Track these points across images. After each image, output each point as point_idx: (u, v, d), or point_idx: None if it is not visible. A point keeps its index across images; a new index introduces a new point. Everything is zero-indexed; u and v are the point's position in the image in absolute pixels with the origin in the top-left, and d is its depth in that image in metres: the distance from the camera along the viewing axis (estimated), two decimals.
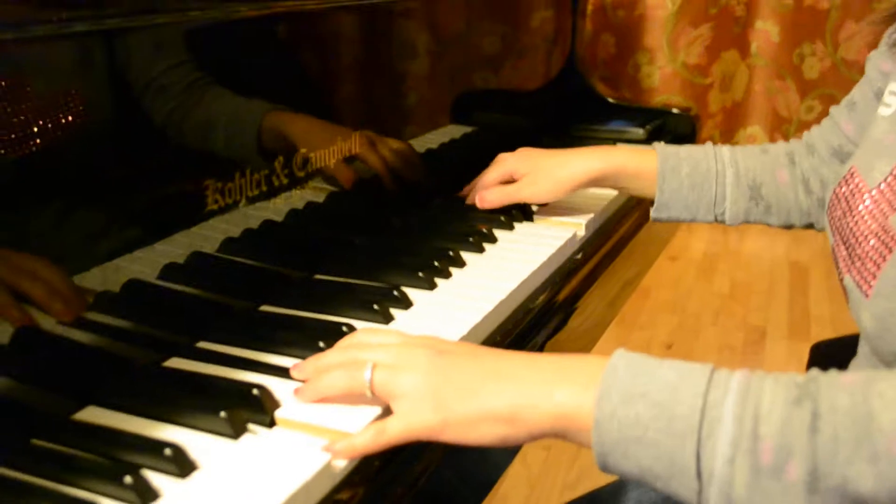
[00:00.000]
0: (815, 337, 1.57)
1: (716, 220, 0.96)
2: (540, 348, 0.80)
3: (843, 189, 0.73)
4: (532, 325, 0.81)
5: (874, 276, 0.63)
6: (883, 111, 0.74)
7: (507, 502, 1.80)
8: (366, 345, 0.62)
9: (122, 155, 0.66)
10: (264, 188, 0.76)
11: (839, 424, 0.46)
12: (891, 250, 0.62)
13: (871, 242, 0.65)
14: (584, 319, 0.93)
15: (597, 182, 0.98)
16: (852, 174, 0.72)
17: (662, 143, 1.00)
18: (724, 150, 0.97)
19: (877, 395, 0.46)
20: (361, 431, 0.56)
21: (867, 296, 0.64)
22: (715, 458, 0.48)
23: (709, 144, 0.99)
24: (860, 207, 0.68)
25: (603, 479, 0.82)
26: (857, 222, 0.68)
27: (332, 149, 0.86)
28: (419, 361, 0.58)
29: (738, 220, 0.96)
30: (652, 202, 0.98)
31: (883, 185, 0.67)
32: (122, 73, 0.64)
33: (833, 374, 0.50)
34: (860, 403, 0.46)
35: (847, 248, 0.69)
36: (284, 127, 0.81)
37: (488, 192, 1.00)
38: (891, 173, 0.67)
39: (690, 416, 0.49)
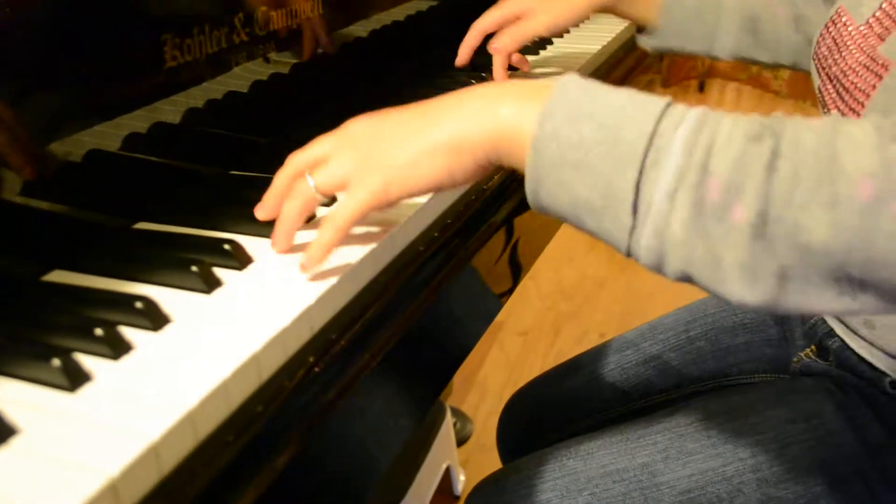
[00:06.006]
0: None
1: (707, 53, 0.95)
2: (503, 223, 0.78)
3: (831, 29, 0.71)
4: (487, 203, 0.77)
5: (863, 106, 0.63)
6: None
7: (486, 383, 1.83)
8: (302, 154, 0.59)
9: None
10: (224, 45, 0.73)
11: (800, 163, 0.41)
12: (880, 77, 0.61)
13: (860, 73, 0.64)
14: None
15: (607, 6, 0.95)
16: (839, 14, 0.71)
17: None
18: None
19: (844, 134, 0.42)
20: (318, 230, 0.54)
21: None
22: (655, 190, 0.44)
23: None
24: (848, 43, 0.67)
25: None
26: (844, 57, 0.67)
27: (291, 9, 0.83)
28: (349, 137, 0.56)
29: (726, 52, 0.94)
30: (641, 28, 0.97)
31: (871, 20, 0.66)
32: None
33: (801, 117, 0.44)
34: (826, 144, 0.41)
35: (834, 84, 0.68)
36: None
37: (499, 38, 0.91)
38: (879, 7, 0.66)
39: (637, 141, 0.45)
